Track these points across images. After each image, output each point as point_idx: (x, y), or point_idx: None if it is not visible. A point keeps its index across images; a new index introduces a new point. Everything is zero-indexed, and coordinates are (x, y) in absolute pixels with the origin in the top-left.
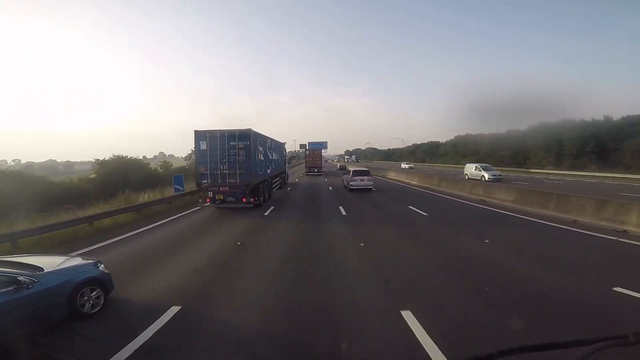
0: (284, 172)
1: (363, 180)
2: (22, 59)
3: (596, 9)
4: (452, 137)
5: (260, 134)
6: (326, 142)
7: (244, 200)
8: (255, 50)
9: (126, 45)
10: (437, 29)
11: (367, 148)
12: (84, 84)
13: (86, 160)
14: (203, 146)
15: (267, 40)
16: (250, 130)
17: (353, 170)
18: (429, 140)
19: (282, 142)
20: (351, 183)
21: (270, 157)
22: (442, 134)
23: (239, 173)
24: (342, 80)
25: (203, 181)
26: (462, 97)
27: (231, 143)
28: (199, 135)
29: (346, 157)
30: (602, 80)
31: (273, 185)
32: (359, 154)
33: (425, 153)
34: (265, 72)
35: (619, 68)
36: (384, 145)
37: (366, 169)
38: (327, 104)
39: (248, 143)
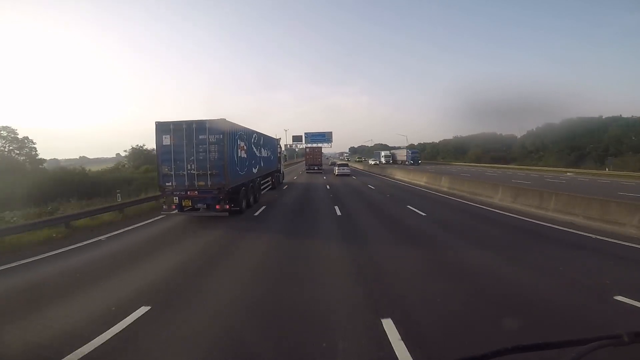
0: (278, 170)
1: (343, 169)
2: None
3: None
4: (534, 129)
5: (242, 127)
6: (330, 133)
7: (217, 207)
8: (254, 49)
9: (122, 43)
10: (436, 28)
11: (374, 145)
12: (82, 81)
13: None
14: (166, 141)
15: (266, 39)
16: (224, 120)
17: (338, 164)
18: (468, 134)
19: (277, 137)
20: (337, 171)
21: (258, 155)
22: (453, 131)
23: (210, 174)
24: (342, 78)
25: (167, 184)
26: (474, 95)
27: (200, 137)
28: (162, 128)
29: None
30: None
31: (262, 187)
32: (364, 151)
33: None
34: (265, 70)
35: None
36: (388, 142)
37: (346, 163)
38: (327, 101)
39: (222, 137)
